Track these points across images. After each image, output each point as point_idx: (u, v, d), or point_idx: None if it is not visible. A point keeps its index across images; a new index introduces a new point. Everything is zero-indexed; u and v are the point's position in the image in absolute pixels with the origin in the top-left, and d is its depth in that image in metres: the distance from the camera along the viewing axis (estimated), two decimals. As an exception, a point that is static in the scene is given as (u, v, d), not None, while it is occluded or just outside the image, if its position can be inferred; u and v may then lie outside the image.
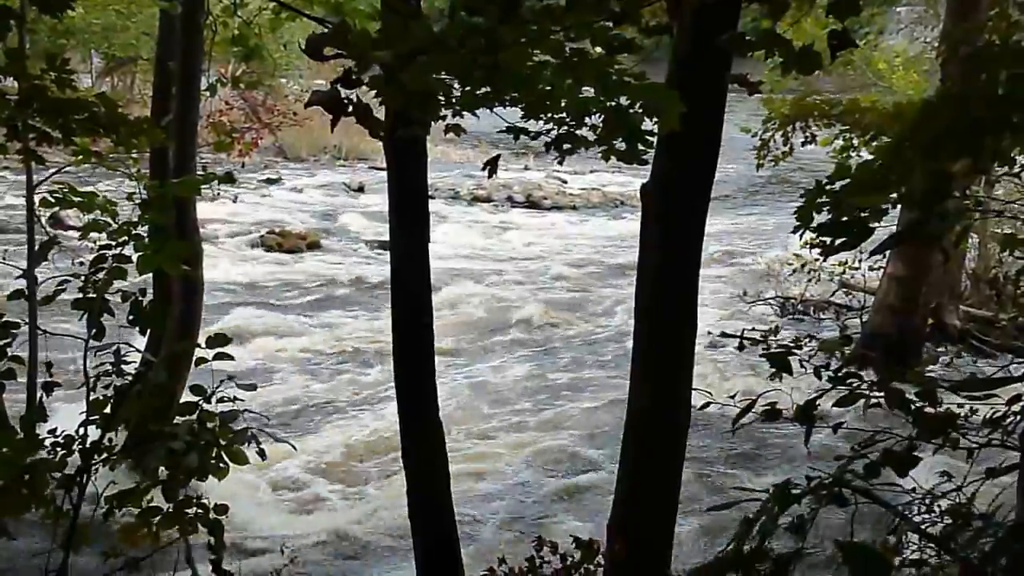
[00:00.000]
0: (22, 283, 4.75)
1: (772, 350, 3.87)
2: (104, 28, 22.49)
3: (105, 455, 4.03)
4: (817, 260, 12.52)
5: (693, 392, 4.41)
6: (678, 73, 3.94)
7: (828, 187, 3.26)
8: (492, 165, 3.82)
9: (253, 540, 7.78)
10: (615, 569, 4.58)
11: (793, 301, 14.57)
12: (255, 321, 13.50)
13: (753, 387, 6.94)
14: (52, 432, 4.04)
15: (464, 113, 3.44)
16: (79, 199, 4.25)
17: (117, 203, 4.25)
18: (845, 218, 3.14)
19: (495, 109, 3.37)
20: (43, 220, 6.07)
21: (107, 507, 4.04)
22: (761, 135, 14.14)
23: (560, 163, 3.89)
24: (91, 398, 4.03)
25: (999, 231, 12.57)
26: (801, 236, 3.60)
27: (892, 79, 17.39)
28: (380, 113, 3.54)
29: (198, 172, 7.77)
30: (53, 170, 5.81)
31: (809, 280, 14.17)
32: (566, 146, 3.57)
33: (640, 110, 3.29)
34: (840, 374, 3.57)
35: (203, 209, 10.24)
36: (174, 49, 8.26)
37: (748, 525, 2.90)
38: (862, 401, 3.50)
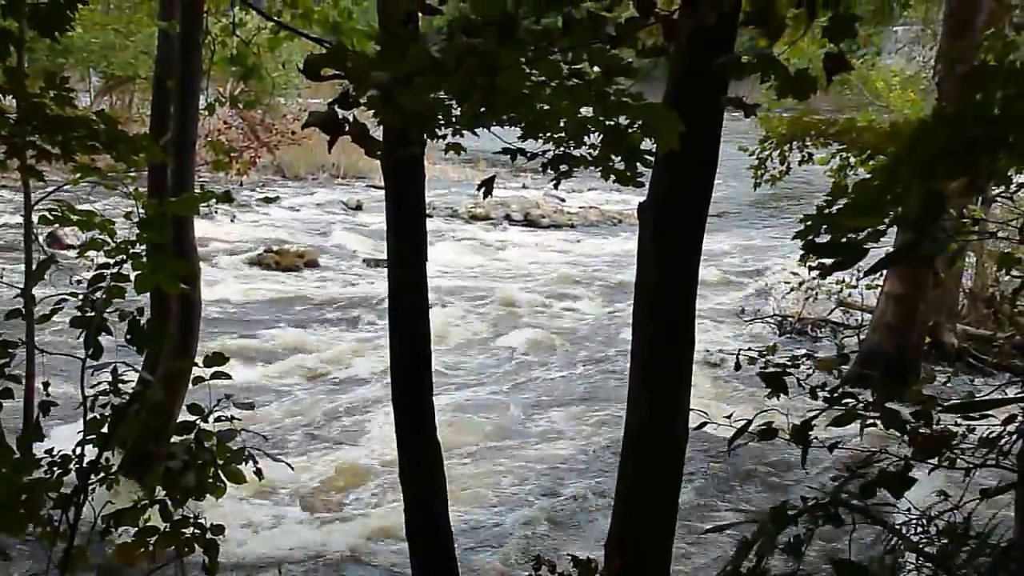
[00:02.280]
0: (19, 302, 4.74)
1: (768, 370, 3.88)
2: (103, 47, 22.59)
3: (102, 474, 4.02)
4: (815, 279, 12.53)
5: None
6: (675, 93, 3.96)
7: (827, 211, 3.26)
8: (487, 185, 3.83)
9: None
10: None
11: (791, 319, 14.57)
12: (253, 339, 13.50)
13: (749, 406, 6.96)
14: (49, 452, 4.03)
15: (463, 132, 3.46)
16: (77, 217, 4.25)
17: (115, 221, 4.25)
18: (842, 239, 3.15)
19: (493, 129, 3.39)
20: (40, 239, 6.07)
21: (104, 526, 4.03)
22: (758, 154, 14.19)
23: (556, 186, 3.91)
24: (88, 417, 4.03)
25: (996, 250, 12.59)
26: (802, 258, 3.60)
27: (889, 98, 17.45)
28: (377, 132, 3.55)
29: (196, 191, 7.78)
30: (51, 189, 5.82)
31: (807, 298, 14.17)
32: (563, 167, 3.59)
33: (638, 130, 3.30)
34: (836, 394, 3.57)
35: (201, 228, 10.25)
36: (173, 68, 8.28)
37: (746, 546, 2.90)
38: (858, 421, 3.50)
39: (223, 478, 4.03)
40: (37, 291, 4.65)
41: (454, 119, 3.30)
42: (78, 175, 4.78)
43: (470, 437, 10.41)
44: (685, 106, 3.49)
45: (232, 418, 4.07)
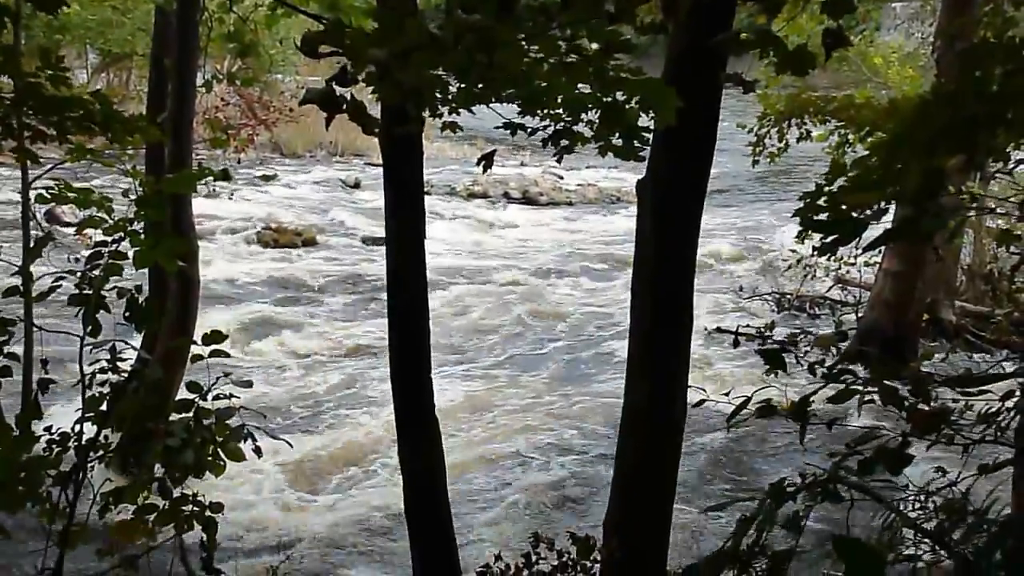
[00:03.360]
0: (17, 280, 4.73)
1: (767, 346, 3.87)
2: (100, 24, 22.41)
3: (101, 452, 4.03)
4: (813, 256, 12.51)
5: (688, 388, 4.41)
6: (674, 70, 3.94)
7: (827, 188, 3.26)
8: (487, 160, 3.82)
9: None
10: (611, 566, 4.58)
11: (789, 297, 14.57)
12: (250, 317, 13.49)
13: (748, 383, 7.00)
14: (48, 429, 4.03)
15: (460, 110, 3.45)
16: (74, 195, 4.24)
17: (112, 199, 4.24)
18: (841, 215, 3.15)
19: (492, 105, 3.37)
20: (38, 216, 6.05)
21: (103, 504, 4.04)
22: (756, 131, 14.16)
23: (559, 161, 3.90)
24: (87, 395, 4.03)
25: (994, 226, 12.57)
26: (800, 235, 3.59)
27: (888, 74, 17.37)
28: (375, 110, 3.54)
29: (194, 168, 7.76)
30: (48, 166, 5.80)
31: (805, 276, 14.15)
32: (563, 142, 3.58)
33: (637, 106, 3.29)
34: (835, 371, 3.56)
35: (199, 205, 10.24)
36: (170, 45, 8.25)
37: (746, 522, 2.91)
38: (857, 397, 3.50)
39: (222, 456, 4.04)
40: (35, 269, 4.64)
41: (451, 96, 3.29)
42: (75, 154, 4.77)
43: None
44: (683, 83, 3.47)
45: (231, 395, 4.07)
